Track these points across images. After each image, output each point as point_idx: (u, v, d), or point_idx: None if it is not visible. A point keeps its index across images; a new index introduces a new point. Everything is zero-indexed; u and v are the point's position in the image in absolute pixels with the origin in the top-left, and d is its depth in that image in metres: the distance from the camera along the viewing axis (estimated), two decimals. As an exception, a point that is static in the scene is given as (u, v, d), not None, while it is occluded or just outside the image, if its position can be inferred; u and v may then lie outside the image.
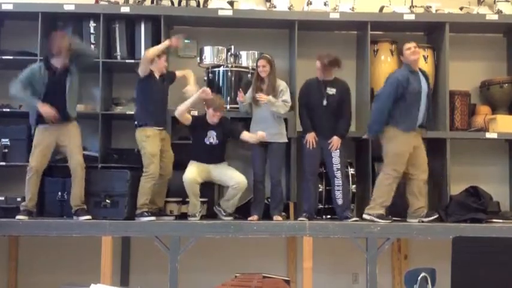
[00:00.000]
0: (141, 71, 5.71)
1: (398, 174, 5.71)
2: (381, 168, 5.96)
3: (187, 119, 5.86)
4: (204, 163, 5.87)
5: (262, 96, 5.82)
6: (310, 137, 5.91)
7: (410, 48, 5.78)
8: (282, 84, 5.98)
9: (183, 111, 5.79)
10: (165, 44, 5.80)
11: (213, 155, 5.90)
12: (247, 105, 6.01)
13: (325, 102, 5.91)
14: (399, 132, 5.70)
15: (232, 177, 5.84)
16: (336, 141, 5.89)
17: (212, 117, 5.84)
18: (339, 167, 5.89)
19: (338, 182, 5.88)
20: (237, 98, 6.04)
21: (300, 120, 6.09)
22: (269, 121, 5.91)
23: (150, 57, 5.68)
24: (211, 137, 5.88)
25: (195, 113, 6.21)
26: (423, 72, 5.91)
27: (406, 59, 5.81)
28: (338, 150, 5.89)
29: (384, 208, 5.74)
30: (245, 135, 5.87)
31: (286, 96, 5.92)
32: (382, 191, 5.74)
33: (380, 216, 5.67)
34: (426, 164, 5.83)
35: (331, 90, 5.94)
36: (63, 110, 5.60)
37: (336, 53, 6.49)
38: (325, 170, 6.08)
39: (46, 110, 5.50)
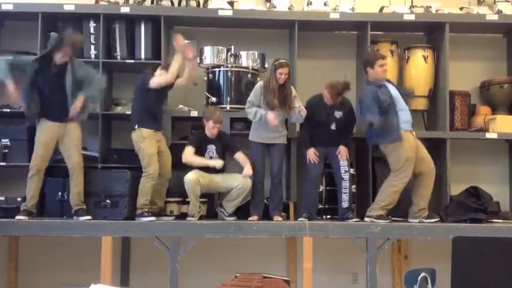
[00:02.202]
0: (154, 84, 5.66)
1: (407, 179, 5.70)
2: (381, 169, 5.98)
3: None
4: (206, 173, 5.87)
5: (304, 111, 5.74)
6: (311, 154, 5.88)
7: (383, 65, 5.78)
8: (293, 90, 5.94)
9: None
10: (178, 60, 5.70)
11: (214, 169, 5.87)
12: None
13: (333, 126, 5.91)
14: (392, 144, 5.71)
15: (236, 179, 5.83)
16: (343, 150, 5.90)
17: (212, 129, 5.84)
18: (347, 169, 5.89)
19: (345, 184, 5.86)
20: (270, 117, 5.71)
21: (300, 135, 6.09)
22: (277, 125, 5.88)
23: (171, 79, 5.68)
24: (211, 151, 5.89)
25: (195, 113, 6.22)
26: (388, 81, 5.90)
27: (376, 75, 5.77)
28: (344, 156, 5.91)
29: (385, 210, 5.75)
30: (240, 157, 5.86)
31: (300, 102, 5.89)
32: (386, 196, 5.74)
33: (379, 217, 5.68)
34: (431, 166, 5.80)
35: (338, 114, 5.93)
36: (64, 106, 5.61)
37: (336, 53, 6.51)
38: (326, 170, 6.08)
39: (12, 91, 5.47)
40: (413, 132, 5.85)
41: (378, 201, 5.77)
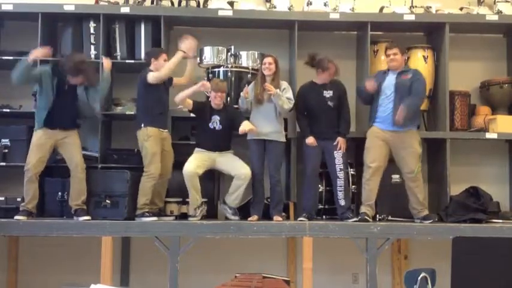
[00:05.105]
0: (152, 79, 5.66)
1: (370, 170, 5.74)
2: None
3: (188, 104, 5.87)
4: (210, 151, 5.86)
5: (270, 87, 5.76)
6: (310, 140, 5.90)
7: (389, 55, 5.86)
8: (284, 83, 5.96)
9: (183, 99, 5.80)
10: (178, 57, 5.75)
11: (217, 142, 5.88)
12: (248, 103, 5.96)
13: (324, 105, 5.92)
14: (370, 128, 5.87)
15: (236, 167, 5.82)
16: (341, 141, 5.91)
17: (214, 99, 5.84)
18: (342, 168, 5.89)
19: (340, 182, 5.88)
20: (242, 93, 5.93)
21: (298, 126, 6.09)
22: (269, 119, 5.88)
23: (168, 74, 5.69)
24: (215, 122, 5.87)
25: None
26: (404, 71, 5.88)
27: (387, 64, 5.96)
28: (340, 151, 5.89)
29: (368, 207, 5.75)
30: (245, 125, 5.76)
31: (289, 94, 5.91)
32: (362, 191, 5.82)
33: (361, 214, 5.73)
34: (408, 170, 5.76)
35: (329, 93, 5.95)
36: (71, 116, 5.67)
37: (336, 53, 6.51)
38: (326, 170, 6.08)
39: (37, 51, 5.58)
40: (391, 132, 5.78)
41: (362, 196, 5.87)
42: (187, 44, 5.81)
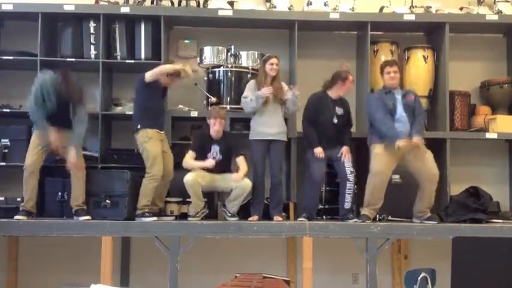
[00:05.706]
0: (150, 77, 5.67)
1: (377, 177, 5.72)
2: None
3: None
4: (210, 173, 5.84)
5: (295, 89, 5.82)
6: (319, 151, 5.83)
7: (389, 72, 5.82)
8: (284, 85, 5.97)
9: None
10: (179, 67, 5.76)
11: (218, 168, 5.86)
12: (263, 102, 5.84)
13: (335, 121, 5.90)
14: (378, 145, 5.78)
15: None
16: (346, 151, 5.89)
17: (214, 126, 5.82)
18: (352, 170, 5.87)
19: (350, 185, 5.84)
20: (263, 90, 5.79)
21: (304, 134, 5.99)
22: (275, 119, 5.89)
23: (165, 72, 5.68)
24: (215, 152, 5.85)
25: (195, 113, 6.22)
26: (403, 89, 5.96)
27: (384, 81, 5.89)
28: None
29: (372, 210, 5.75)
30: (240, 162, 5.82)
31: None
32: (366, 195, 5.79)
33: (362, 216, 5.72)
34: (432, 172, 5.75)
35: (340, 110, 5.95)
36: (66, 118, 5.61)
37: (336, 53, 6.52)
38: (326, 170, 6.07)
39: (54, 138, 5.51)
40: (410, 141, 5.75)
41: (365, 199, 5.83)
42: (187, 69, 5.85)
